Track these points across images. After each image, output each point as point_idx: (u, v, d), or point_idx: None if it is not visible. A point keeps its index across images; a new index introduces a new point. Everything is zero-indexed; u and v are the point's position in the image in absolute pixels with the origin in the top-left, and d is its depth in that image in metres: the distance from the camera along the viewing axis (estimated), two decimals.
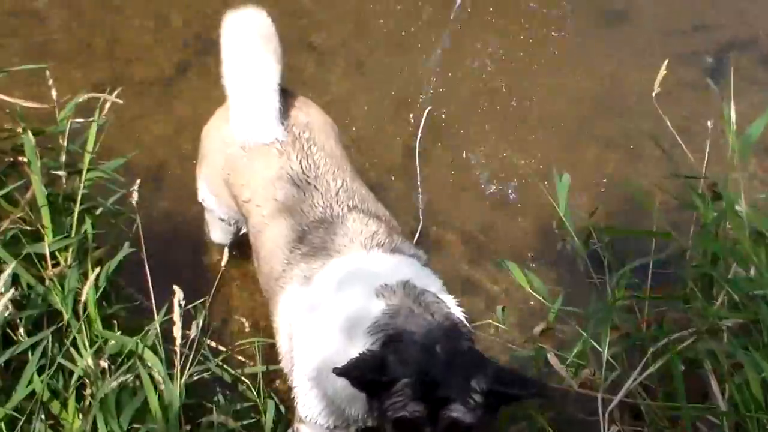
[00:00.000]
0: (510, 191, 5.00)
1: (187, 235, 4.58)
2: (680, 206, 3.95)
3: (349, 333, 2.96)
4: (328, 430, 3.26)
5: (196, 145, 4.22)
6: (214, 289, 3.41)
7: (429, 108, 5.22)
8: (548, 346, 3.47)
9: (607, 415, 3.09)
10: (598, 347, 3.46)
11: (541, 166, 5.11)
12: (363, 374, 2.74)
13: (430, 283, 3.17)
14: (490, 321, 3.95)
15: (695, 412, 3.20)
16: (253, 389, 3.61)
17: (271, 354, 3.68)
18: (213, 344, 3.67)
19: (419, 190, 4.69)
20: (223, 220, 4.24)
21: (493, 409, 2.80)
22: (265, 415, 3.52)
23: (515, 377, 2.84)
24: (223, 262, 3.38)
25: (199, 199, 4.25)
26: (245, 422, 3.34)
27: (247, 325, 3.92)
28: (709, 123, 3.95)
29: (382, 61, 5.72)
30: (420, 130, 5.09)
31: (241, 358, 3.84)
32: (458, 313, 3.10)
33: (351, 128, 5.20)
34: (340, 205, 3.49)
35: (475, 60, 5.79)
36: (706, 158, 3.87)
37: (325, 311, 3.13)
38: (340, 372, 2.73)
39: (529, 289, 3.75)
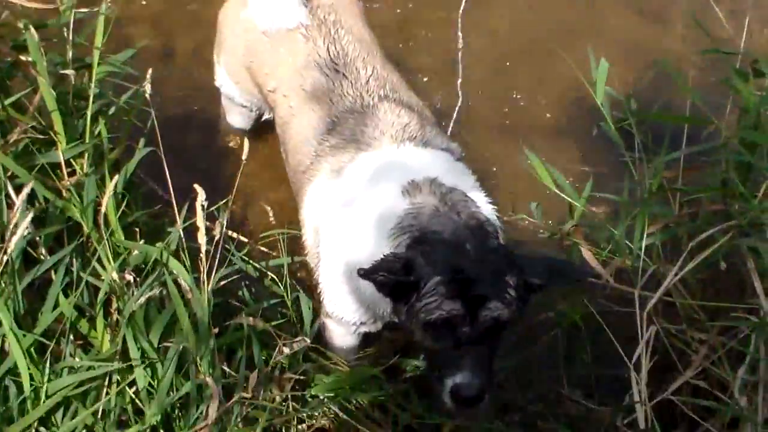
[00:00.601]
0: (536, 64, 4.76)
1: (203, 124, 4.42)
2: (715, 85, 3.72)
3: (375, 232, 2.91)
4: (355, 325, 3.21)
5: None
6: (236, 184, 3.23)
7: None
8: (580, 239, 3.32)
9: (645, 313, 2.97)
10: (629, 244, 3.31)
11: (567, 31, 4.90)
12: (388, 276, 2.68)
13: (461, 179, 3.09)
14: (525, 216, 3.79)
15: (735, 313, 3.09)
16: (279, 283, 3.51)
17: (295, 246, 3.60)
18: (236, 236, 3.54)
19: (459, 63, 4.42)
20: (244, 106, 4.12)
21: (525, 301, 2.77)
22: (293, 309, 3.44)
23: (545, 267, 2.79)
24: (244, 155, 3.19)
25: (217, 84, 4.13)
26: (274, 323, 3.22)
27: (271, 215, 3.79)
28: None
29: None
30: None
31: (265, 249, 3.73)
32: (488, 210, 3.02)
33: None
34: (370, 95, 3.38)
35: None
36: (745, 30, 3.60)
37: (352, 207, 3.06)
38: (364, 274, 2.68)
39: (554, 188, 3.57)
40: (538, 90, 4.71)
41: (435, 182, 2.94)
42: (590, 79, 3.56)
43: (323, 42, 3.51)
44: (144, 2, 5.07)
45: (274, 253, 3.73)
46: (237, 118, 4.30)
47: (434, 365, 2.80)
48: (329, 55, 3.46)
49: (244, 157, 3.19)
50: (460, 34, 4.56)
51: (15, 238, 2.42)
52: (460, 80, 4.33)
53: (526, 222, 3.90)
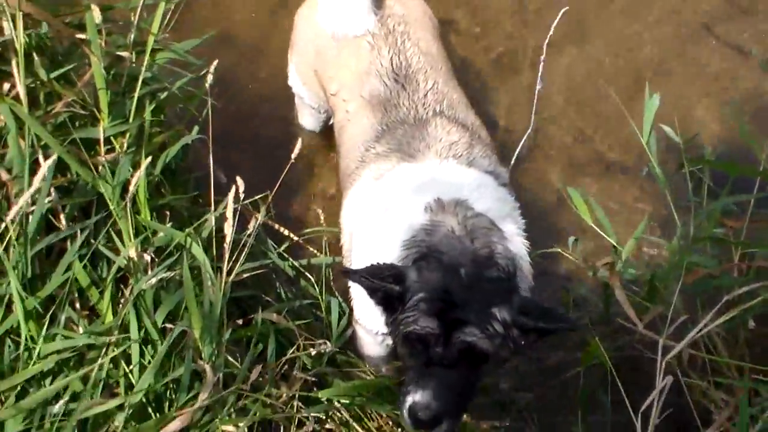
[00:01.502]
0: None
1: (270, 123, 4.48)
2: None
3: (392, 242, 2.90)
4: (382, 336, 3.20)
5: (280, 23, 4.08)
6: (280, 180, 3.26)
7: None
8: (615, 279, 3.20)
9: (664, 363, 2.82)
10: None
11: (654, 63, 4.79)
12: (370, 280, 2.68)
13: (496, 204, 3.03)
14: (559, 250, 3.69)
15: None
16: (315, 286, 3.52)
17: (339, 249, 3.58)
18: (278, 228, 3.58)
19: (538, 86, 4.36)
20: (313, 108, 4.19)
21: (514, 340, 2.69)
22: (326, 312, 3.44)
23: (544, 310, 2.73)
24: (294, 153, 3.23)
25: (289, 83, 4.19)
26: (302, 322, 3.24)
27: (321, 216, 3.81)
28: None
29: None
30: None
31: (311, 248, 3.75)
32: (516, 243, 2.94)
33: None
34: (425, 108, 3.40)
35: None
36: None
37: (382, 215, 3.07)
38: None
39: (591, 223, 3.46)
40: (611, 126, 4.57)
41: (462, 204, 2.90)
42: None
43: (388, 51, 3.54)
44: None
45: (318, 253, 3.74)
46: (307, 119, 4.38)
47: (407, 380, 2.75)
48: (392, 64, 3.49)
49: (293, 156, 3.23)
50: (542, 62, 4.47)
51: (23, 199, 2.49)
52: (534, 107, 4.24)
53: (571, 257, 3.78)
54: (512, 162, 4.15)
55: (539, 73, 4.18)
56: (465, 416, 3.26)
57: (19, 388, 2.56)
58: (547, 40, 4.45)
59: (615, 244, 3.54)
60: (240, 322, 3.15)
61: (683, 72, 4.83)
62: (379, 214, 3.08)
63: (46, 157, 2.82)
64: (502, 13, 5.07)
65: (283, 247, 3.57)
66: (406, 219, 2.90)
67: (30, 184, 2.61)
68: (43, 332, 2.64)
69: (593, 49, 4.93)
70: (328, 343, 3.19)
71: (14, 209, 2.57)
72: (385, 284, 2.67)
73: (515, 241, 2.95)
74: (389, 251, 2.87)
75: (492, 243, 2.80)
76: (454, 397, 2.66)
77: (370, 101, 3.48)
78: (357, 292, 3.19)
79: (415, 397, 2.64)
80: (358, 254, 3.16)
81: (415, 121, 3.33)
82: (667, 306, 3.11)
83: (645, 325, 3.14)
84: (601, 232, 3.58)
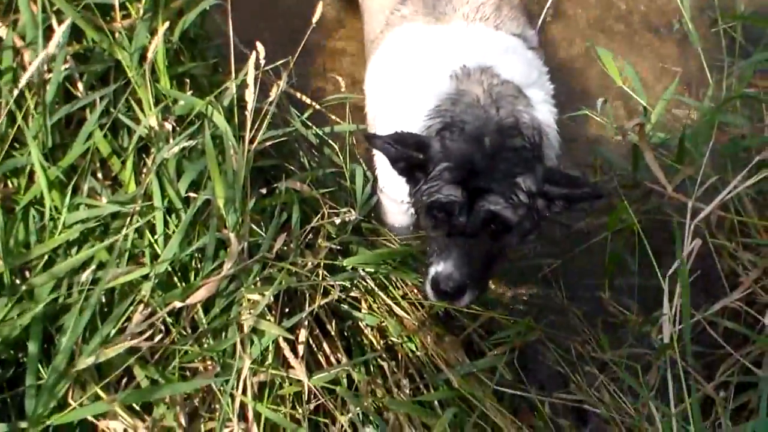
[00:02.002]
0: None
1: None
2: None
3: (418, 110, 2.84)
4: (406, 204, 3.16)
5: None
6: (301, 45, 3.17)
7: None
8: (644, 141, 3.12)
9: (692, 225, 2.79)
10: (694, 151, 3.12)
11: None
12: (394, 147, 2.65)
13: (523, 70, 2.95)
14: (587, 112, 3.60)
15: None
16: (339, 154, 3.47)
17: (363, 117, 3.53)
18: (299, 96, 3.51)
19: None
20: None
21: (538, 211, 2.67)
22: (350, 181, 3.40)
23: (570, 178, 2.68)
24: (315, 17, 3.13)
25: None
26: (326, 190, 3.20)
27: (343, 84, 3.73)
28: None
29: None
30: None
31: (333, 117, 3.68)
32: (543, 110, 2.87)
33: None
34: None
35: None
36: None
37: (407, 81, 3.01)
38: (370, 138, 2.69)
39: (620, 83, 3.36)
40: None
41: (488, 71, 2.83)
42: None
43: None
44: None
45: (340, 121, 3.67)
46: None
47: (429, 252, 2.74)
48: None
49: (314, 20, 3.12)
50: None
51: (36, 62, 2.43)
52: None
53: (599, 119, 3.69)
54: (540, 22, 4.01)
55: None
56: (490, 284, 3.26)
57: (46, 257, 2.55)
58: None
59: (645, 105, 3.45)
60: (264, 191, 3.12)
61: None
62: (405, 82, 3.01)
63: (60, 23, 2.75)
64: None
65: (306, 115, 3.50)
66: (432, 87, 2.84)
67: (45, 49, 2.53)
68: (67, 201, 2.62)
69: None
70: (352, 211, 3.15)
71: (28, 73, 2.49)
72: (408, 152, 2.63)
73: (542, 108, 2.88)
74: (414, 120, 2.82)
75: (517, 111, 2.74)
76: (477, 268, 2.64)
77: None
78: (381, 160, 3.16)
79: (438, 267, 2.62)
80: (383, 122, 3.11)
81: None
82: (697, 168, 3.06)
83: (674, 187, 3.11)
84: (631, 92, 3.49)
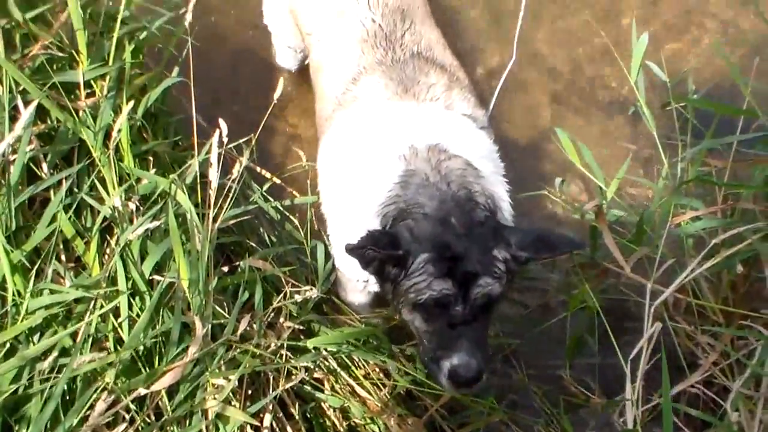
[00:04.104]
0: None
1: (248, 60, 4.37)
2: None
3: (369, 196, 2.84)
4: (363, 283, 3.16)
5: None
6: (262, 123, 3.17)
7: None
8: (602, 222, 3.18)
9: (653, 309, 2.84)
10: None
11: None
12: (376, 250, 2.59)
13: (472, 145, 2.97)
14: (546, 192, 3.67)
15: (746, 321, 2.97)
16: (300, 229, 3.47)
17: None
18: (260, 171, 3.52)
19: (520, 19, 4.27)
20: (289, 47, 4.07)
21: (512, 274, 2.70)
22: (311, 257, 3.39)
23: (540, 238, 2.70)
24: (276, 94, 3.14)
25: (265, 22, 4.07)
26: (288, 268, 3.18)
27: (304, 157, 3.73)
28: None
29: None
30: None
31: (294, 192, 3.68)
32: (496, 182, 2.92)
33: None
34: (403, 49, 3.29)
35: None
36: None
37: (357, 163, 3.00)
38: (351, 249, 2.61)
39: (579, 166, 3.45)
40: (600, 60, 4.50)
41: (435, 148, 2.85)
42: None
43: None
44: None
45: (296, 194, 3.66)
46: (284, 58, 4.29)
47: (426, 347, 2.73)
48: (368, 4, 3.36)
49: (275, 96, 3.13)
50: None
51: (2, 146, 2.39)
52: (516, 39, 4.17)
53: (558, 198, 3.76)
54: (492, 103, 4.09)
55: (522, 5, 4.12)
56: None
57: (8, 345, 2.49)
58: None
59: (602, 186, 3.52)
60: (226, 269, 3.09)
61: (669, 9, 4.76)
62: (355, 164, 3.00)
63: (25, 103, 2.72)
64: None
65: (265, 187, 3.50)
66: (382, 170, 2.85)
67: (10, 132, 2.49)
68: (30, 286, 2.56)
69: None
70: (313, 288, 3.14)
71: None
72: (385, 251, 2.60)
73: (493, 180, 2.91)
74: (367, 206, 2.83)
75: (468, 183, 2.77)
76: (484, 348, 2.67)
77: (346, 41, 3.37)
78: (335, 241, 3.15)
79: (453, 361, 2.61)
80: (335, 205, 3.12)
81: (392, 63, 3.23)
82: (653, 248, 3.13)
83: (631, 267, 3.16)
84: (589, 174, 3.56)
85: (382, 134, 2.96)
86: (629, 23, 4.13)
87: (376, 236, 2.63)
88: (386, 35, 3.30)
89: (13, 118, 2.62)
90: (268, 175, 3.53)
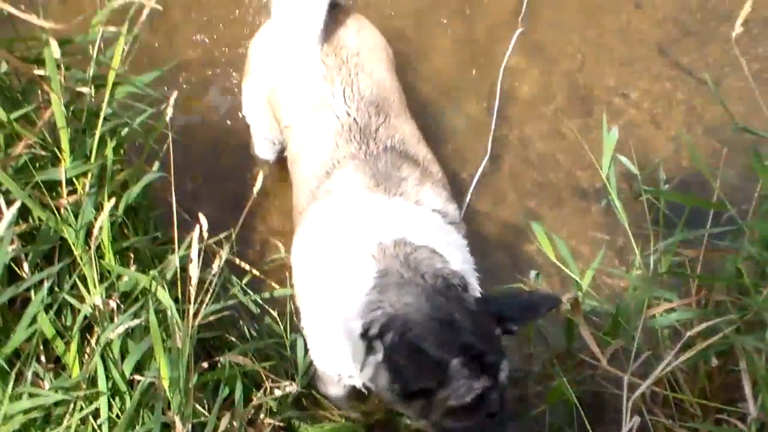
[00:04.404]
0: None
1: (226, 152, 4.41)
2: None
3: (344, 295, 2.85)
4: (341, 378, 3.15)
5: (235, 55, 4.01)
6: (242, 217, 3.17)
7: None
8: (578, 313, 3.22)
9: (631, 402, 2.87)
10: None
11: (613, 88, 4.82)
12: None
13: (437, 235, 3.01)
14: (522, 284, 3.71)
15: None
16: (279, 323, 3.47)
17: None
18: (239, 262, 3.52)
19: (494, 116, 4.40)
20: (267, 138, 4.11)
21: None
22: (290, 350, 3.39)
23: (520, 305, 2.82)
24: (256, 188, 3.13)
25: (243, 113, 4.11)
26: (267, 363, 3.18)
27: (282, 249, 3.76)
28: None
29: None
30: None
31: (273, 284, 3.69)
32: (466, 270, 2.98)
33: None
34: (376, 143, 3.31)
35: None
36: None
37: (329, 260, 3.00)
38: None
39: (554, 259, 3.51)
40: (574, 152, 4.59)
41: (401, 242, 2.88)
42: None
43: (341, 83, 3.44)
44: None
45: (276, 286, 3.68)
46: (262, 149, 4.30)
47: None
48: (344, 97, 3.40)
49: (255, 190, 3.15)
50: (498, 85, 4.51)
51: None
52: (491, 134, 4.28)
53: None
54: (467, 199, 4.18)
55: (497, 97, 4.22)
56: None
57: None
58: (504, 63, 4.54)
59: (578, 280, 3.58)
60: (205, 365, 3.08)
61: (638, 97, 4.87)
62: (328, 262, 3.01)
63: (7, 203, 2.73)
64: (455, 42, 5.02)
65: (245, 281, 3.51)
66: (355, 273, 2.86)
67: None
68: (9, 391, 2.54)
69: (545, 72, 4.94)
70: (293, 383, 3.14)
71: None
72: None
73: (463, 268, 2.97)
74: (345, 307, 2.83)
75: (438, 270, 2.82)
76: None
77: (321, 134, 3.39)
78: (310, 336, 3.15)
79: None
80: (308, 301, 3.11)
81: (365, 157, 3.25)
82: (629, 339, 3.17)
83: (607, 359, 3.19)
84: (564, 268, 3.62)
85: (352, 231, 2.98)
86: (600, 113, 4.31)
87: (424, 369, 2.63)
88: (361, 129, 3.32)
89: None
90: (247, 267, 3.54)
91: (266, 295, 3.57)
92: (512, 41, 4.76)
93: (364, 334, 2.73)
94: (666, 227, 3.58)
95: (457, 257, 2.97)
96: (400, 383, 2.67)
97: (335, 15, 3.61)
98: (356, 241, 2.92)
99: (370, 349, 2.73)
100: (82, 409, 2.61)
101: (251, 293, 3.54)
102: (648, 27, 5.08)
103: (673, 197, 3.72)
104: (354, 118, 3.36)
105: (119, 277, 2.97)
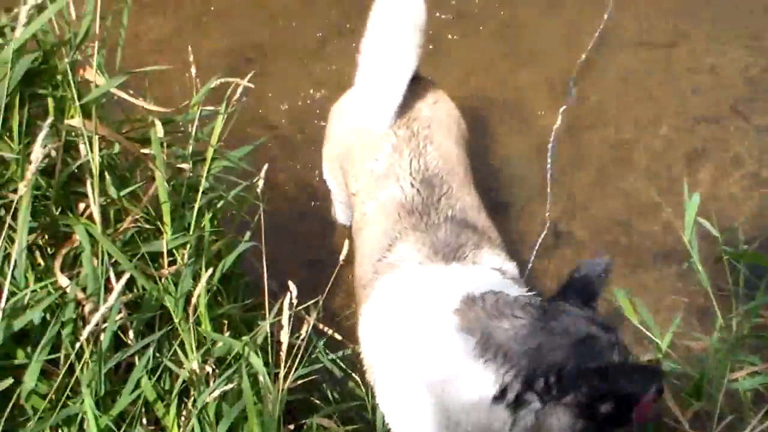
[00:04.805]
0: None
1: (310, 218, 4.57)
2: None
3: (438, 368, 2.81)
4: None
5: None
6: (330, 283, 3.33)
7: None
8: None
9: None
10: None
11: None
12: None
13: (501, 284, 3.03)
14: None
15: None
16: (362, 386, 3.58)
17: None
18: (323, 327, 3.66)
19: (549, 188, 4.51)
20: (342, 203, 4.22)
21: None
22: (373, 414, 3.48)
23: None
24: (342, 255, 3.28)
25: (324, 177, 4.24)
26: (351, 427, 3.29)
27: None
28: None
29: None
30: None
31: (355, 347, 3.80)
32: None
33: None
34: (438, 214, 3.36)
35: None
36: None
37: (404, 332, 2.99)
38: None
39: (637, 324, 3.56)
40: (642, 214, 4.66)
41: (469, 299, 2.86)
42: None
43: (408, 154, 3.53)
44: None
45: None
46: (340, 213, 4.44)
47: None
48: (410, 168, 3.47)
49: (341, 257, 3.29)
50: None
51: (96, 317, 2.56)
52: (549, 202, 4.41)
53: None
54: (531, 259, 4.25)
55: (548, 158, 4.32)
56: None
57: None
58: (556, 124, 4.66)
59: (659, 342, 3.61)
60: (291, 427, 3.21)
61: (716, 156, 4.93)
62: (403, 335, 3.00)
63: (115, 273, 2.92)
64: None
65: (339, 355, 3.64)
66: (446, 345, 2.81)
67: (104, 302, 2.67)
68: None
69: (612, 133, 5.04)
70: None
71: (89, 326, 2.61)
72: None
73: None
74: (445, 383, 2.79)
75: (518, 300, 2.82)
76: None
77: (385, 205, 3.46)
78: (388, 411, 3.13)
79: None
80: (385, 377, 3.11)
81: (426, 228, 3.30)
82: (711, 402, 3.19)
83: (690, 422, 3.23)
84: (645, 330, 3.65)
85: (421, 303, 2.98)
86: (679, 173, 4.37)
87: (593, 374, 2.61)
88: (423, 199, 3.39)
89: (105, 289, 2.81)
90: (330, 332, 3.67)
91: (348, 351, 3.68)
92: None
93: (500, 396, 2.67)
94: (747, 288, 3.61)
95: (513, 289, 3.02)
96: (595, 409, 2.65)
97: (415, 87, 3.74)
98: (430, 312, 2.91)
99: (519, 405, 2.66)
100: None
101: (334, 356, 3.65)
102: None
103: (754, 259, 3.75)
104: (417, 189, 3.43)
105: (214, 342, 3.12)
